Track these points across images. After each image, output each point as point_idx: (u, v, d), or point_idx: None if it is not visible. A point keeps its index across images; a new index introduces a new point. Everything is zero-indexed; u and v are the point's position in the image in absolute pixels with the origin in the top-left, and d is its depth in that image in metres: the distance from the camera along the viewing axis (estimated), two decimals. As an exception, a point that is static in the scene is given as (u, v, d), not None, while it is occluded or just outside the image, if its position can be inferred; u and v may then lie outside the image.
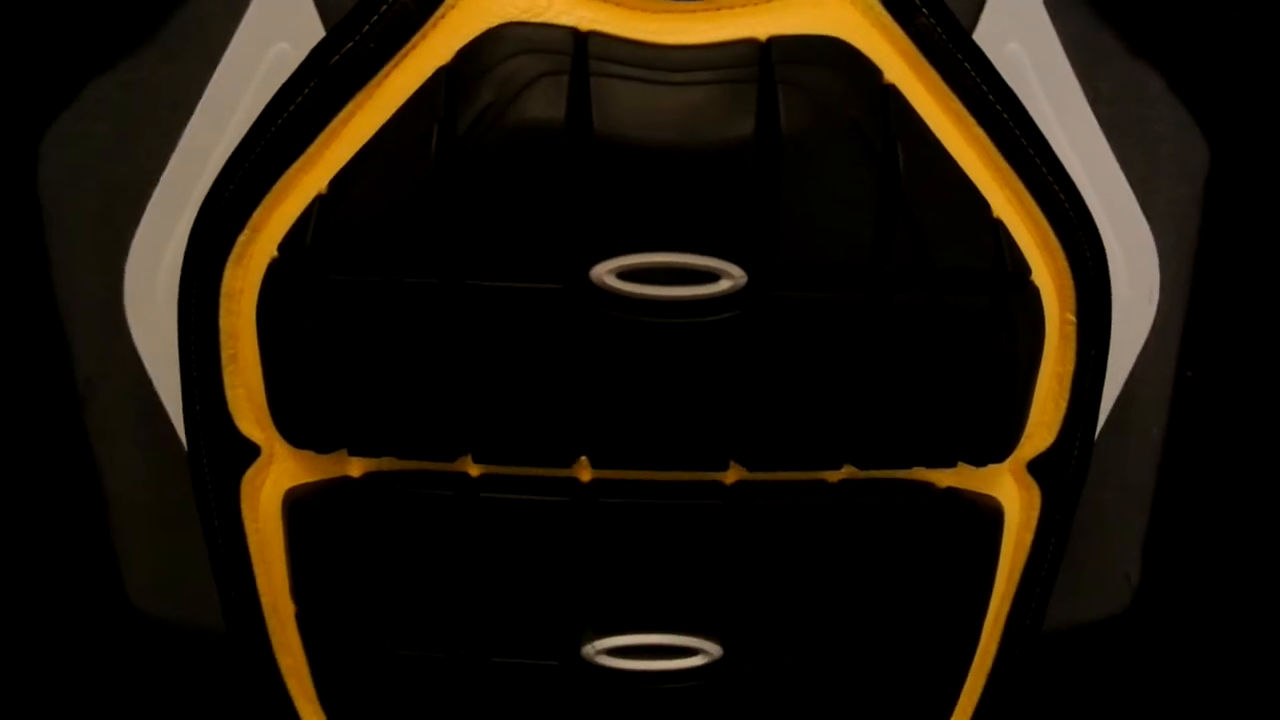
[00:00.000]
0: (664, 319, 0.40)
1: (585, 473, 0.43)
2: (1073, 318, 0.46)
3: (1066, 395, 0.47)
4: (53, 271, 0.54)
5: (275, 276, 0.42)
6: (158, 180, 0.48)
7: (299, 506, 0.44)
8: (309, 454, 0.44)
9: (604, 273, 0.39)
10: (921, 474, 0.44)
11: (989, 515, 0.46)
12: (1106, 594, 0.61)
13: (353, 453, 0.43)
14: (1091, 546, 0.59)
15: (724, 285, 0.40)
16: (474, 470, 0.43)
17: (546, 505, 0.42)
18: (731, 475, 0.43)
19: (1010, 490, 0.47)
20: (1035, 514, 0.48)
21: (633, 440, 0.41)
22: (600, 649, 0.44)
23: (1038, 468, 0.48)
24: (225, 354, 0.45)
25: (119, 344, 0.52)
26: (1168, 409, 0.58)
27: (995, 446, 0.45)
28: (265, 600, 0.48)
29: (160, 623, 0.59)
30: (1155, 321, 0.54)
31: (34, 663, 0.60)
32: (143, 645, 0.59)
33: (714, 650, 0.44)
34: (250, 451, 0.45)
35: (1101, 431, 0.51)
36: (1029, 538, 0.49)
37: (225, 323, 0.44)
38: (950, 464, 0.44)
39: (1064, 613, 0.59)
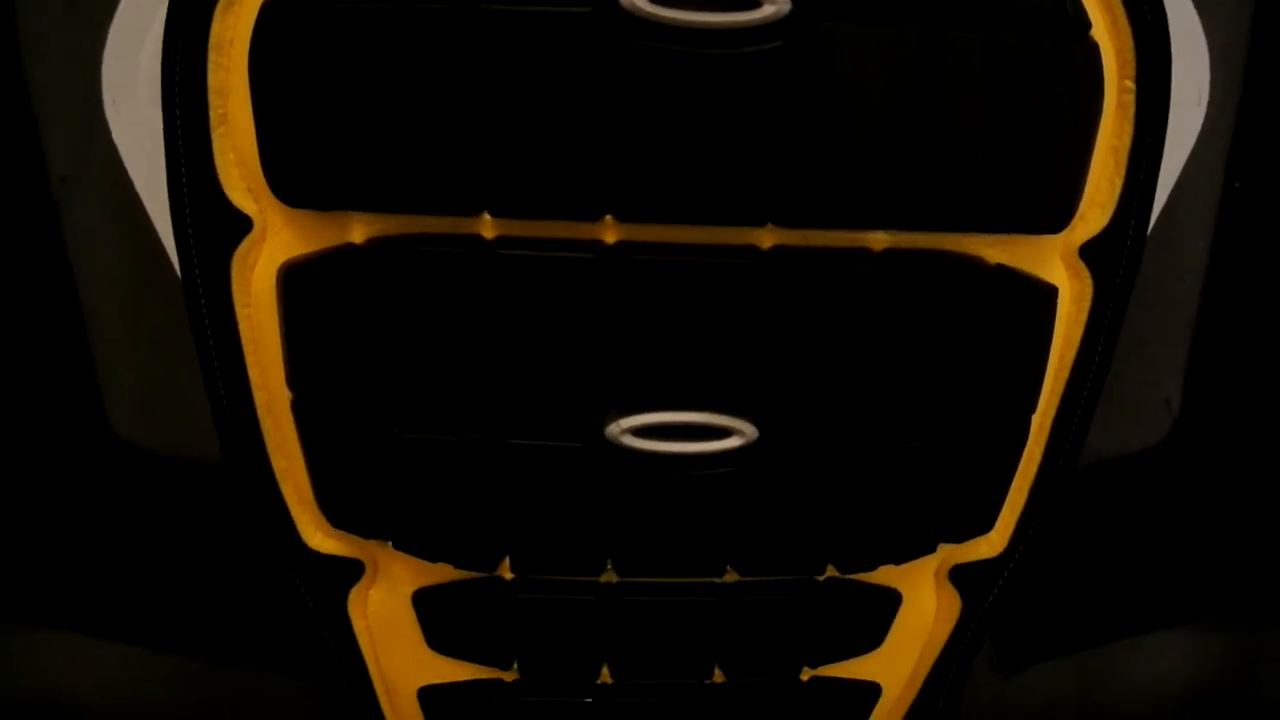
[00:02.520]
0: (702, 48, 0.36)
1: (611, 233, 0.39)
2: (1131, 85, 0.43)
3: (1122, 173, 0.44)
4: (25, 67, 0.50)
5: (270, 16, 0.38)
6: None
7: (296, 275, 0.41)
8: (305, 224, 0.40)
9: (638, -5, 0.35)
10: (971, 247, 0.41)
11: (1043, 293, 0.42)
12: (1146, 422, 0.58)
13: (357, 208, 0.39)
14: (1131, 369, 0.57)
15: (767, 12, 0.36)
16: (489, 231, 0.39)
17: (568, 264, 0.39)
18: (768, 238, 0.39)
19: (1060, 277, 0.44)
20: (1086, 307, 0.45)
21: (663, 189, 0.38)
22: (626, 429, 0.40)
23: (1090, 253, 0.44)
24: (214, 115, 0.41)
25: (96, 141, 0.48)
26: (1214, 222, 0.55)
27: (1050, 214, 0.41)
28: (259, 396, 0.44)
29: (144, 452, 0.55)
30: (1203, 128, 0.51)
31: (13, 497, 0.56)
32: (126, 476, 0.55)
33: (749, 432, 0.41)
34: (241, 225, 0.42)
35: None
36: (1078, 333, 0.45)
37: (214, 79, 0.40)
38: (1002, 229, 0.41)
39: (1101, 443, 0.57)
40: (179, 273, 0.44)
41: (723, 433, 0.41)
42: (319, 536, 0.46)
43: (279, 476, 0.45)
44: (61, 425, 0.55)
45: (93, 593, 0.57)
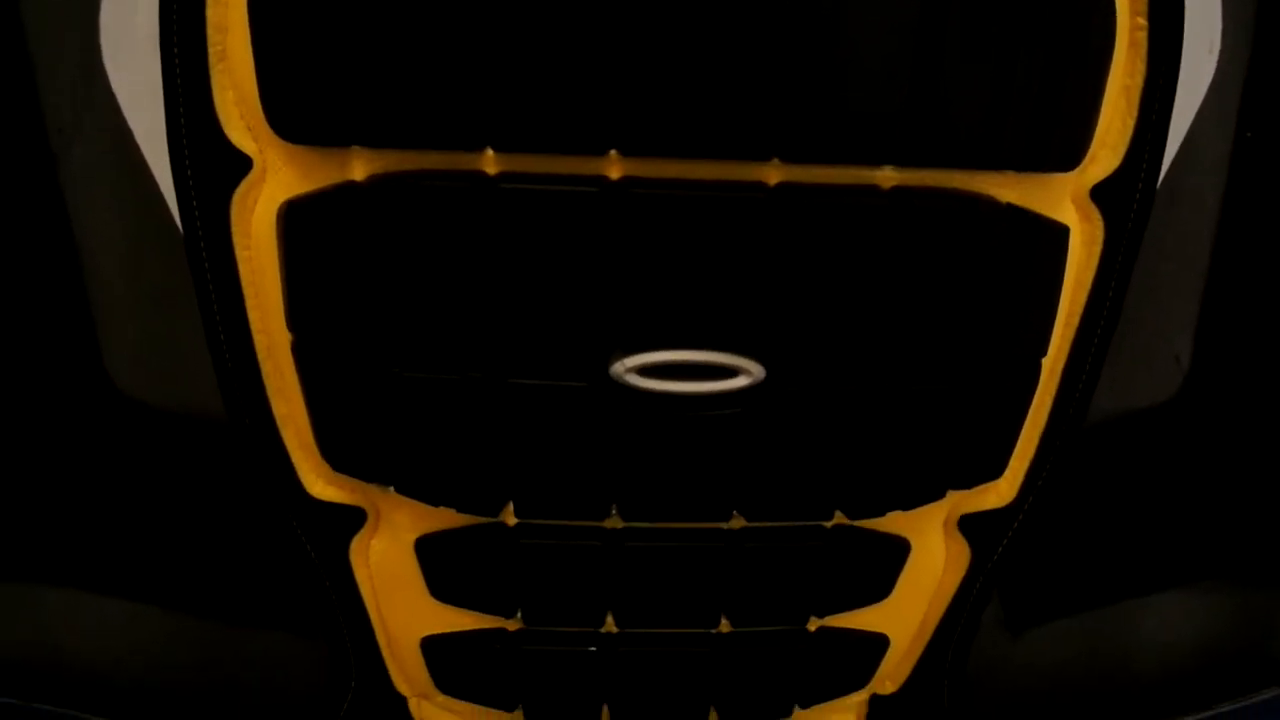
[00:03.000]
0: None
1: (615, 168, 0.38)
2: (1144, 22, 0.42)
3: (1134, 113, 0.43)
4: (20, 16, 0.49)
5: (269, -51, 0.38)
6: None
7: (297, 214, 0.40)
8: (305, 162, 0.40)
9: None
10: (981, 185, 0.40)
11: (1054, 232, 0.42)
12: (1155, 378, 0.57)
13: (358, 143, 0.38)
14: (1140, 325, 0.56)
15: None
16: (492, 167, 0.39)
17: (572, 199, 0.38)
18: (774, 174, 0.39)
19: (1072, 219, 0.43)
20: (1097, 251, 0.44)
21: (668, 123, 0.37)
22: (631, 367, 0.40)
23: (1102, 195, 0.44)
24: (212, 51, 0.40)
25: (95, 91, 0.47)
26: (1225, 174, 0.54)
27: (1060, 153, 0.41)
28: (259, 340, 0.43)
29: (146, 406, 0.55)
30: (1214, 77, 0.50)
31: (13, 452, 0.56)
32: (127, 430, 0.55)
33: (756, 372, 0.40)
34: (241, 164, 0.41)
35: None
36: (1089, 277, 0.45)
37: (213, 14, 0.40)
38: (1012, 166, 0.40)
39: (1109, 400, 0.56)
40: (178, 218, 0.43)
41: (729, 372, 0.40)
42: (320, 484, 0.46)
43: (280, 422, 0.45)
44: (62, 379, 0.54)
45: (94, 548, 0.56)
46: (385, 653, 0.50)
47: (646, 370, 0.40)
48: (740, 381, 0.40)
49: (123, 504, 0.56)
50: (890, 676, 0.53)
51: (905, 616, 0.50)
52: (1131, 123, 0.43)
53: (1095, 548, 0.60)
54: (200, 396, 0.52)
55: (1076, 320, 0.46)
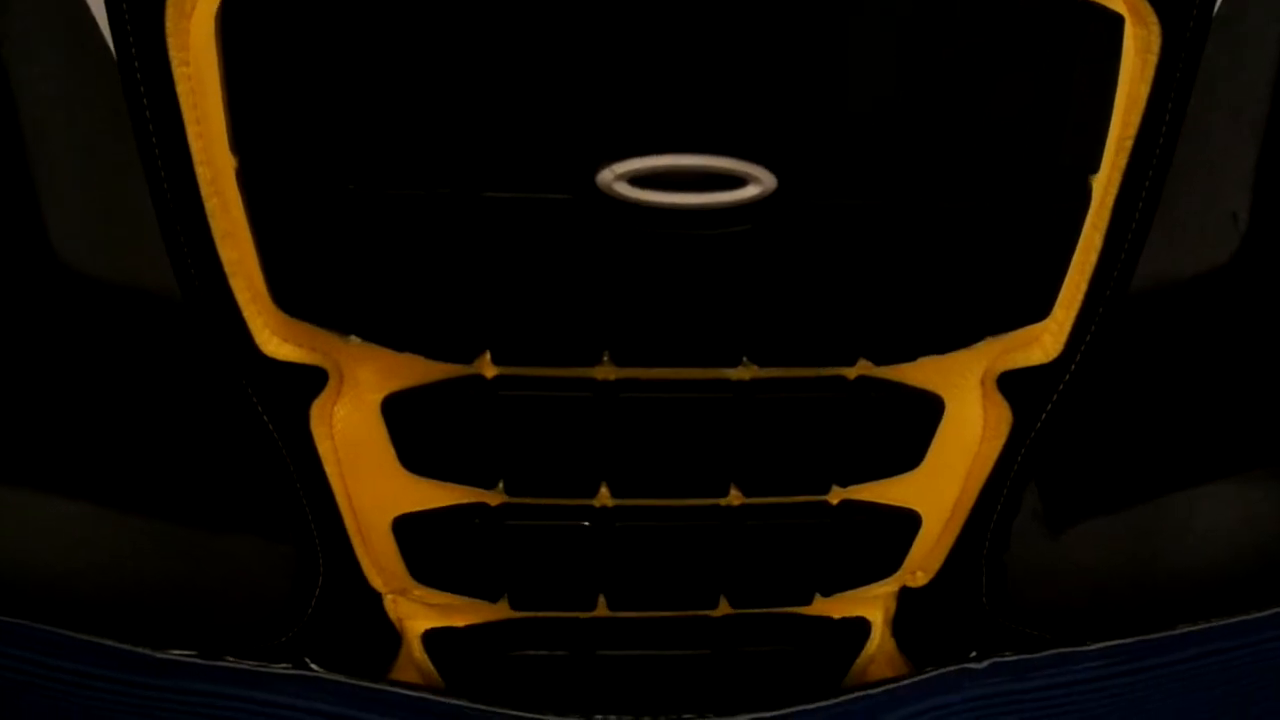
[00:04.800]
0: None
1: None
2: None
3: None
4: None
5: None
6: None
7: (236, 11, 0.35)
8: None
9: None
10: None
11: (1107, 19, 0.36)
12: (1209, 240, 0.52)
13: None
14: (1192, 177, 0.50)
15: None
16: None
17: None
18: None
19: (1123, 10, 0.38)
20: (1153, 61, 0.39)
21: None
22: (621, 175, 0.34)
23: (1159, -3, 0.38)
24: None
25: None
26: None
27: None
28: (203, 174, 0.38)
29: (94, 281, 0.50)
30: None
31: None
32: (75, 308, 0.50)
33: (767, 181, 0.35)
34: (172, -37, 0.36)
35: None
36: (1144, 92, 0.39)
37: None
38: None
39: (1157, 264, 0.51)
40: (110, 42, 0.38)
41: (736, 182, 0.35)
42: (275, 341, 0.40)
43: (229, 270, 0.40)
44: (2, 256, 0.50)
45: (43, 443, 0.52)
46: (355, 541, 0.45)
47: (640, 180, 0.34)
48: (749, 192, 0.35)
49: (73, 393, 0.51)
50: (921, 566, 0.47)
51: (939, 490, 0.44)
52: (1188, -89, 0.38)
53: (1140, 433, 0.55)
54: (154, 271, 0.47)
55: (1129, 145, 0.40)
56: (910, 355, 0.39)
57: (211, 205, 0.39)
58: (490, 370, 0.39)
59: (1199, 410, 0.55)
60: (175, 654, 0.47)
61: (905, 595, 0.48)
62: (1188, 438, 0.55)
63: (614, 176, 0.34)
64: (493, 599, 0.44)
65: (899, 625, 0.49)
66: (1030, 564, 0.54)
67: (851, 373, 0.40)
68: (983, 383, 0.42)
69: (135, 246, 0.48)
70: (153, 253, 0.43)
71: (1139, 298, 0.49)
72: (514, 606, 0.44)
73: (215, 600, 0.50)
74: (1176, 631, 0.50)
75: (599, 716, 0.44)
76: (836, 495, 0.42)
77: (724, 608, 0.45)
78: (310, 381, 0.41)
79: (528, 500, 0.41)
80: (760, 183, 0.35)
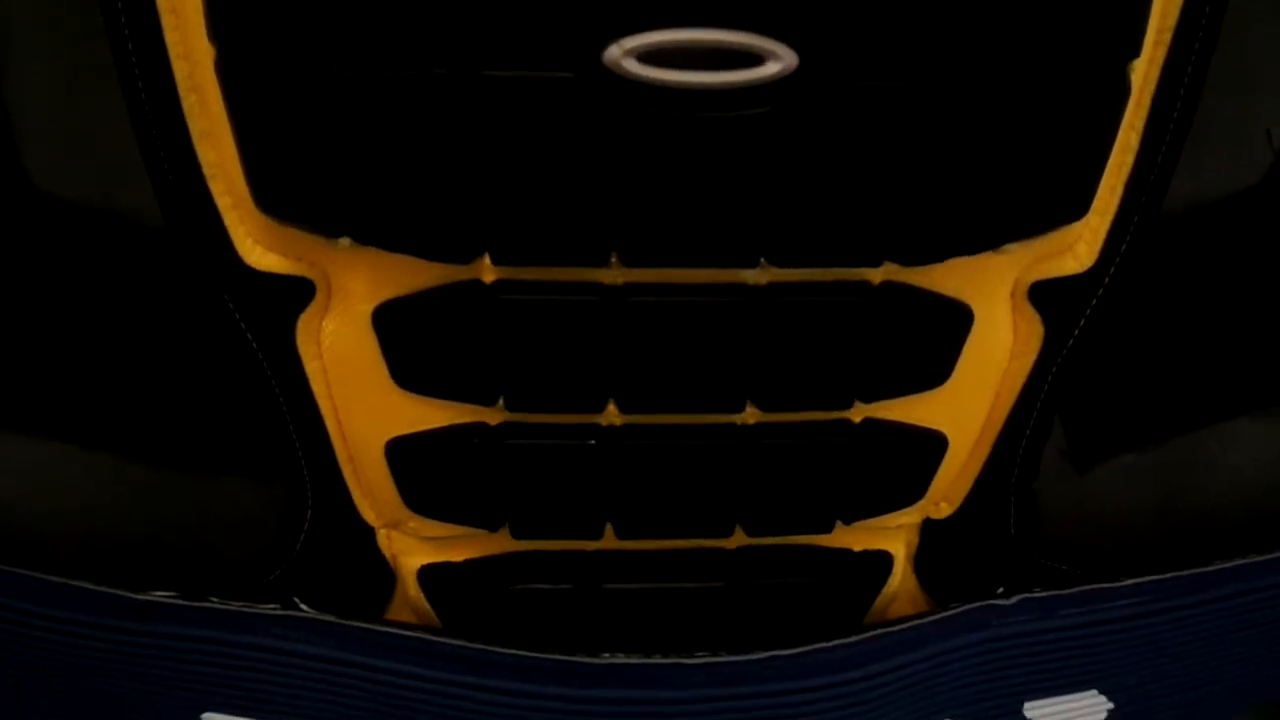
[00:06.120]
0: None
1: None
2: None
3: None
4: None
5: None
6: None
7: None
8: None
9: None
10: None
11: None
12: (1242, 158, 0.50)
13: None
14: (1223, 89, 0.48)
15: None
16: None
17: None
18: None
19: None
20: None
21: None
22: (629, 50, 0.32)
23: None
24: None
25: None
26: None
27: None
28: (179, 69, 0.36)
29: (70, 205, 0.47)
30: None
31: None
32: (49, 235, 0.47)
33: (787, 58, 0.32)
34: None
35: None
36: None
37: None
38: None
39: (1187, 184, 0.48)
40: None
41: (754, 59, 0.32)
42: (259, 251, 0.38)
43: (208, 173, 0.37)
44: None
45: (21, 382, 0.49)
46: (346, 470, 0.42)
47: (650, 56, 0.32)
48: (768, 70, 0.32)
49: (49, 325, 0.49)
50: (946, 495, 0.45)
51: (967, 410, 0.42)
52: None
53: (1168, 366, 0.52)
54: (131, 191, 0.44)
55: (1168, 38, 0.38)
56: (939, 255, 0.36)
57: (189, 102, 0.36)
58: (489, 274, 0.36)
59: (1229, 342, 0.53)
60: (158, 595, 0.44)
61: (928, 529, 0.45)
62: (1217, 370, 0.53)
63: (622, 52, 0.32)
64: (492, 528, 0.41)
65: (921, 562, 0.47)
66: (1055, 502, 0.52)
67: (876, 276, 0.37)
68: (1013, 294, 0.40)
69: (109, 162, 0.46)
70: (130, 169, 0.41)
71: (1170, 218, 0.46)
72: (515, 536, 0.41)
73: (199, 538, 0.47)
74: (1212, 568, 0.48)
75: (606, 654, 0.42)
76: (859, 413, 0.40)
77: (739, 538, 0.42)
78: (296, 294, 0.38)
79: (529, 418, 0.39)
80: (781, 60, 0.32)
